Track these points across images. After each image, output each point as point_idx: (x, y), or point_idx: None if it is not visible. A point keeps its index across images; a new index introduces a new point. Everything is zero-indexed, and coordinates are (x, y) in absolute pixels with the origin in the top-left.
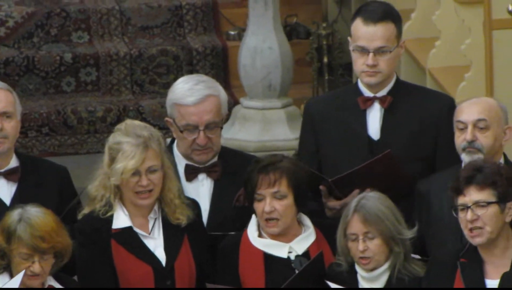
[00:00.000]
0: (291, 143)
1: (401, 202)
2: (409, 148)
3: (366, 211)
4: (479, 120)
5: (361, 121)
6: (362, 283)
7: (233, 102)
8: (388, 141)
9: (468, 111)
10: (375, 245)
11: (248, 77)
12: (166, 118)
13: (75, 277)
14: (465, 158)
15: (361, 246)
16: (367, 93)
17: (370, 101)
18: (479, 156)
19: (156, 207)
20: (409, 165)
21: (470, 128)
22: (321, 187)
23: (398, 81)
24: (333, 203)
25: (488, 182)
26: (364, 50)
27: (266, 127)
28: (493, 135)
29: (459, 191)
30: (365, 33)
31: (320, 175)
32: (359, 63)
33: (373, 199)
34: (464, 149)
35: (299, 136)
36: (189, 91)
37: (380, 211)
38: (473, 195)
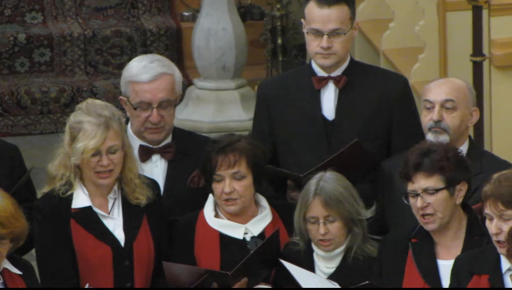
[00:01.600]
0: (245, 124)
1: (361, 183)
2: (363, 127)
3: (326, 194)
4: (447, 100)
5: (315, 101)
6: (318, 262)
7: (187, 83)
8: (343, 121)
9: (436, 91)
10: (335, 228)
11: (202, 58)
12: (120, 97)
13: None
14: (431, 137)
15: (322, 230)
16: (321, 73)
17: (324, 81)
18: (444, 137)
19: (115, 187)
20: (365, 144)
21: (437, 107)
22: (289, 182)
23: (352, 61)
24: (295, 195)
25: (436, 168)
26: (318, 33)
27: (220, 108)
28: (460, 116)
29: (408, 178)
30: (319, 16)
31: (291, 173)
32: (314, 45)
33: (331, 181)
34: (430, 129)
35: (253, 118)
36: (143, 69)
37: (340, 193)
38: (421, 182)
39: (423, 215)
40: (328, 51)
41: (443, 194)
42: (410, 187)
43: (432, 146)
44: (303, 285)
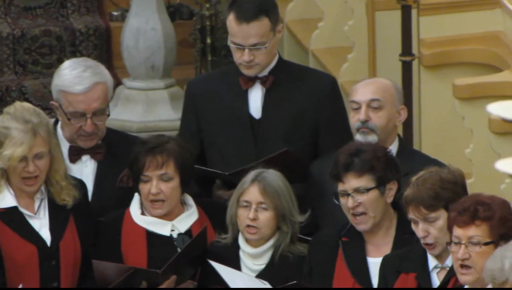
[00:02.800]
0: (174, 124)
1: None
2: (290, 126)
3: (266, 183)
4: (373, 100)
5: (242, 100)
6: (244, 259)
7: (116, 82)
8: (269, 120)
9: (362, 91)
10: (265, 217)
11: (131, 58)
12: (52, 102)
13: None
14: (359, 138)
15: (251, 214)
16: None
17: (251, 81)
18: (373, 137)
19: (42, 188)
20: (292, 144)
21: (363, 108)
22: (217, 180)
23: (280, 60)
24: (221, 193)
25: (366, 168)
26: (239, 46)
27: (149, 107)
28: (386, 115)
29: (338, 178)
30: (238, 31)
31: (217, 171)
32: (237, 56)
33: (273, 175)
34: (358, 130)
35: (181, 115)
36: (76, 78)
37: (279, 187)
38: (352, 182)
39: (354, 215)
40: (250, 64)
41: (374, 193)
42: (341, 187)
43: (361, 146)
44: (231, 285)
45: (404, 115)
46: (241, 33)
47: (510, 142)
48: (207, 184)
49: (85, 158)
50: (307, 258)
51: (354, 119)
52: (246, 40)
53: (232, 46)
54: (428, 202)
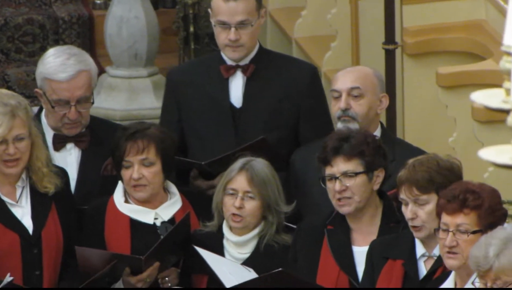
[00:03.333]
0: (157, 112)
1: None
2: (270, 115)
3: (254, 172)
4: (353, 88)
5: (223, 89)
6: (228, 248)
7: (99, 71)
8: (250, 108)
9: (342, 80)
10: (251, 206)
11: (114, 46)
12: (36, 90)
13: None
14: (340, 127)
15: (237, 203)
16: (229, 61)
17: (232, 69)
18: (354, 125)
19: (24, 176)
20: (272, 133)
21: (344, 96)
22: (194, 170)
23: (261, 49)
24: (199, 183)
25: (355, 152)
26: (225, 25)
27: (132, 96)
28: (367, 103)
29: (327, 162)
30: (225, 8)
31: (192, 161)
32: (222, 37)
33: (261, 164)
34: (339, 118)
35: (162, 104)
36: (61, 66)
37: (267, 176)
38: (340, 165)
39: (339, 199)
40: (236, 44)
41: (362, 178)
42: (328, 170)
43: (351, 131)
44: (216, 271)
45: (385, 103)
46: (228, 10)
47: (493, 130)
48: (184, 174)
49: (70, 146)
50: (292, 245)
51: (335, 108)
52: (233, 17)
53: (217, 27)
54: (421, 184)
